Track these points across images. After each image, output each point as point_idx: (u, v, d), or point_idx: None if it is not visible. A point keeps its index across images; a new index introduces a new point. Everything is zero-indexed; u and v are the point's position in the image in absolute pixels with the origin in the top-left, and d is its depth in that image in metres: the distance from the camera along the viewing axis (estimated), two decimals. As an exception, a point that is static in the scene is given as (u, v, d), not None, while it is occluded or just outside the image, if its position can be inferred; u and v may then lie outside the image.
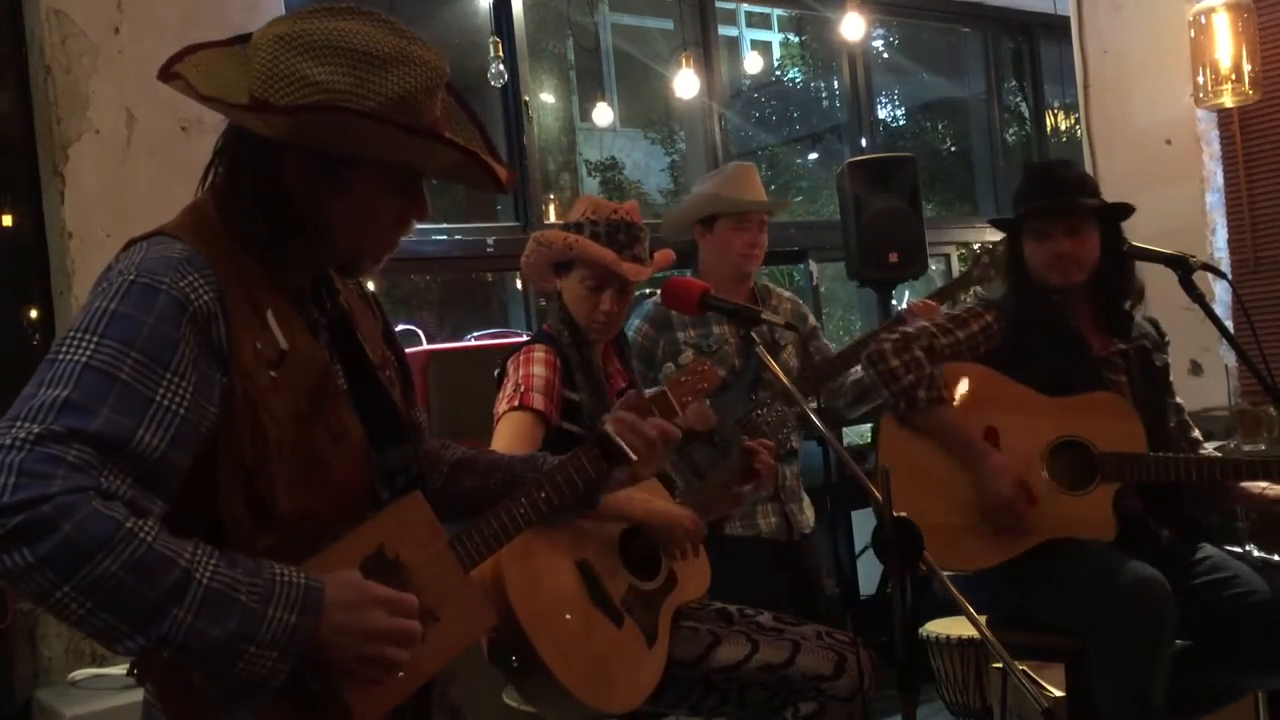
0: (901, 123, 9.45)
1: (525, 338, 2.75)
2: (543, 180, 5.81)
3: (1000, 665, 2.72)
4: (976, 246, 6.31)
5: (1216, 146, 4.41)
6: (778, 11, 9.49)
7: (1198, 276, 2.50)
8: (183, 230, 1.36)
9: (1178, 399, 2.76)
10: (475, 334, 4.06)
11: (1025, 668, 2.45)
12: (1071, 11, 4.81)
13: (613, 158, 9.66)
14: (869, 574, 4.67)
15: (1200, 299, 2.48)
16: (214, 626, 1.19)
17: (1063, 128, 7.25)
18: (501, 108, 4.86)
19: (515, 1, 4.85)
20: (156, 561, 1.17)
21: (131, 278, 1.28)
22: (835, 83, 7.70)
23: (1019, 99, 7.24)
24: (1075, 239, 2.59)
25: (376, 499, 1.49)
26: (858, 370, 3.01)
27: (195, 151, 3.17)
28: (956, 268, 6.33)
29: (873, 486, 1.79)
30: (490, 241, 4.73)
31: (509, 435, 2.28)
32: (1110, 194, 2.68)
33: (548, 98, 8.67)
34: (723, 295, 2.14)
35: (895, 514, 1.67)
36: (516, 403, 2.31)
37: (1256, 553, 2.94)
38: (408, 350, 1.80)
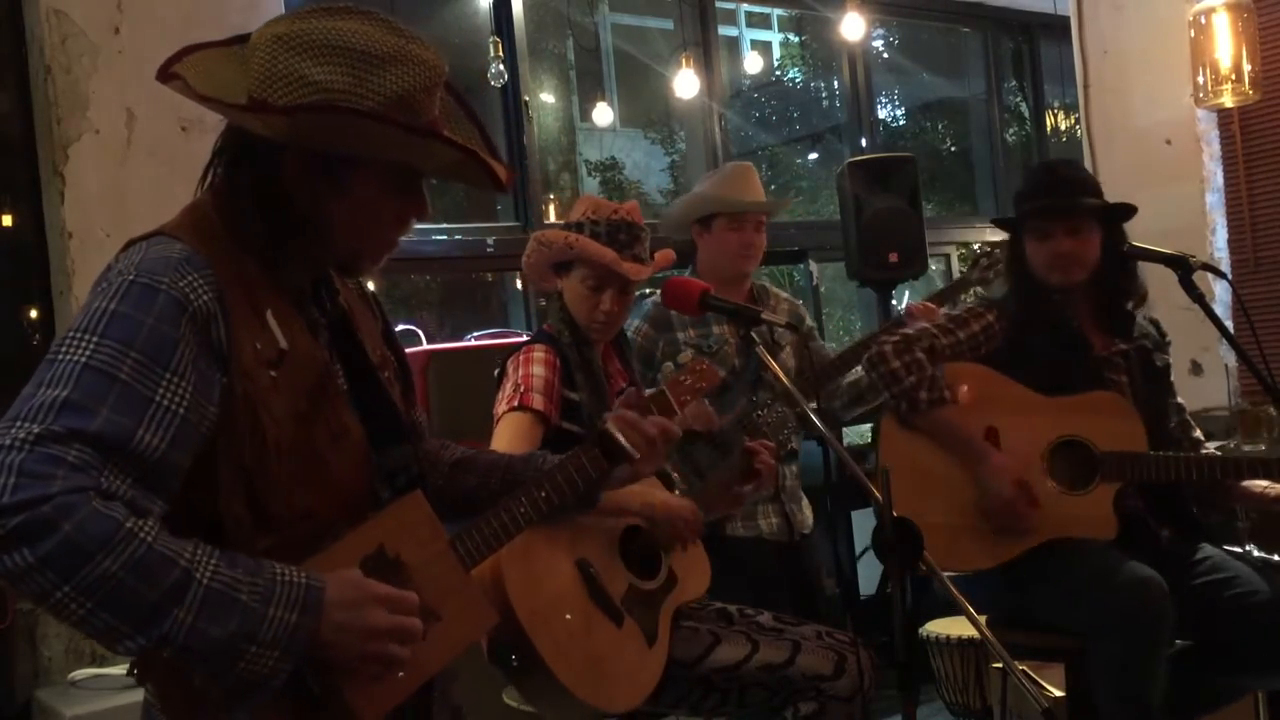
0: (901, 123, 9.45)
1: (525, 338, 2.75)
2: (543, 180, 5.81)
3: (1000, 665, 2.72)
4: (976, 246, 6.31)
5: (1216, 146, 4.41)
6: (778, 11, 9.50)
7: (1198, 276, 2.49)
8: (182, 230, 1.36)
9: (1179, 399, 2.76)
10: (475, 334, 4.06)
11: (1025, 668, 2.45)
12: (1071, 11, 4.81)
13: (613, 158, 9.66)
14: (869, 574, 4.67)
15: (1200, 299, 2.47)
16: (215, 626, 1.19)
17: (1063, 128, 7.25)
18: (501, 108, 4.86)
19: (515, 1, 4.85)
20: (157, 561, 1.17)
21: (131, 278, 1.27)
22: (835, 83, 7.70)
23: (1019, 99, 7.24)
24: (1076, 239, 2.59)
25: (377, 499, 1.49)
26: (854, 372, 3.02)
27: (195, 151, 3.16)
28: (956, 268, 6.33)
29: (873, 486, 1.79)
30: (490, 241, 4.73)
31: (508, 435, 2.28)
32: (1110, 194, 2.68)
33: (548, 98, 8.68)
34: (721, 295, 2.14)
35: (895, 514, 1.67)
36: (516, 403, 2.31)
37: (1256, 553, 2.95)
38: (408, 350, 1.80)
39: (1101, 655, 2.38)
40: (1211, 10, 4.07)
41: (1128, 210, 2.63)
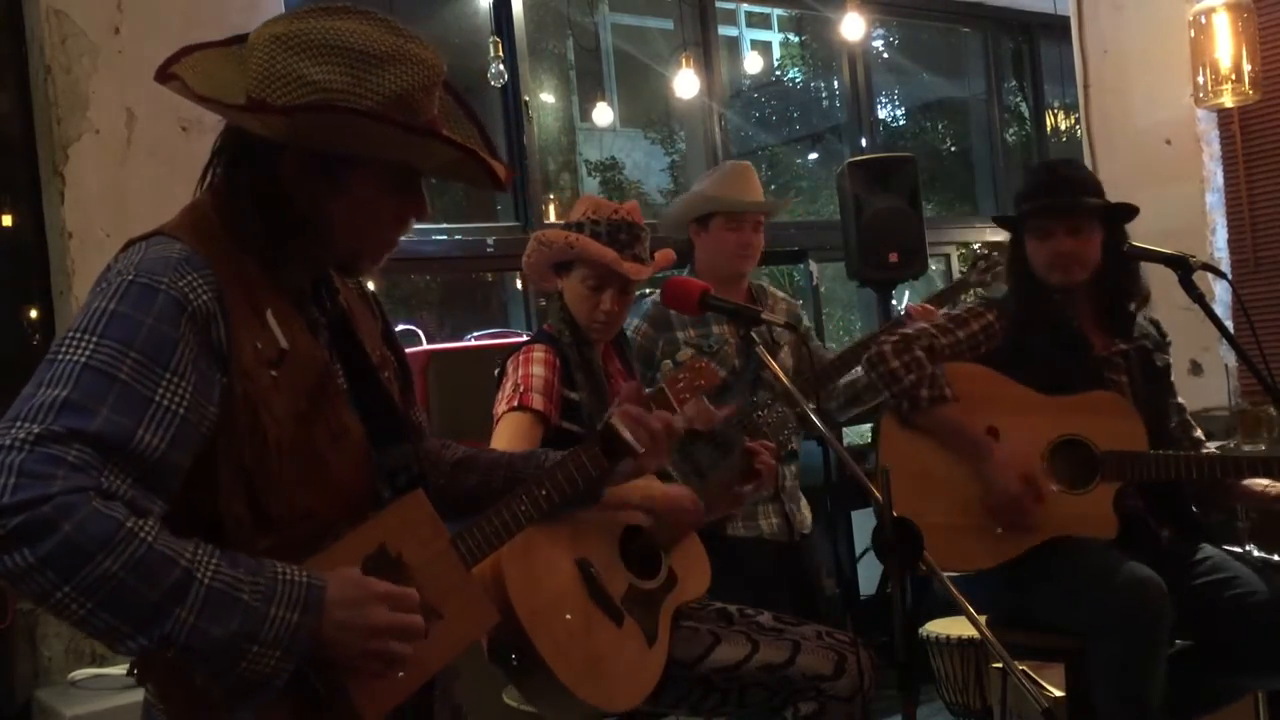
0: (901, 123, 9.45)
1: (525, 338, 2.75)
2: (543, 180, 5.81)
3: (1000, 665, 2.72)
4: (976, 246, 6.30)
5: (1216, 146, 4.41)
6: (778, 11, 9.50)
7: (1198, 276, 2.49)
8: (181, 230, 1.36)
9: (1179, 399, 2.76)
10: (475, 334, 4.06)
11: (1025, 668, 2.45)
12: (1071, 11, 4.81)
13: (613, 158, 9.66)
14: (869, 574, 4.67)
15: (1200, 299, 2.47)
16: (216, 626, 1.19)
17: (1063, 128, 7.25)
18: (501, 108, 4.86)
19: (515, 1, 4.85)
20: (157, 561, 1.17)
21: (130, 278, 1.28)
22: (835, 83, 7.70)
23: (1019, 99, 7.24)
24: (1077, 238, 2.59)
25: (378, 498, 1.49)
26: (849, 373, 3.02)
27: (195, 151, 3.15)
28: (956, 268, 6.32)
29: (873, 486, 1.79)
30: (490, 241, 4.73)
31: (508, 435, 2.28)
32: (1110, 194, 2.67)
33: (548, 98, 8.68)
34: (719, 295, 2.14)
35: (895, 514, 1.67)
36: (516, 403, 2.31)
37: (1256, 553, 2.95)
38: (408, 350, 1.80)
39: (1101, 655, 2.38)
40: (1211, 10, 4.07)
41: (1129, 211, 2.63)
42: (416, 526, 1.45)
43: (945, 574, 1.72)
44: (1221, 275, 2.68)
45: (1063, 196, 2.61)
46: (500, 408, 2.35)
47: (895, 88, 8.90)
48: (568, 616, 2.14)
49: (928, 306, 3.09)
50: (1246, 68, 4.03)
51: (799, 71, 10.65)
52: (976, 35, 6.86)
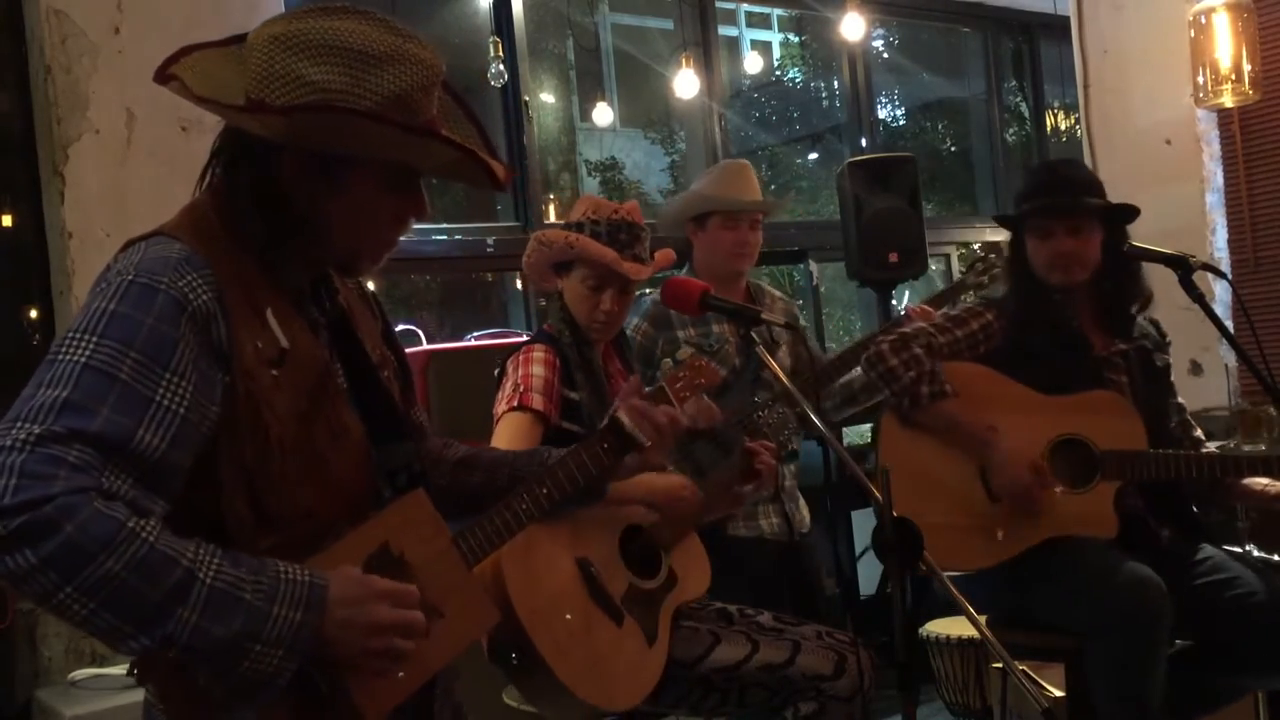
0: (901, 123, 9.45)
1: (525, 338, 2.75)
2: (543, 180, 5.81)
3: (1000, 665, 2.72)
4: (976, 246, 6.31)
5: (1216, 146, 4.41)
6: (778, 11, 9.50)
7: (1198, 276, 2.49)
8: (181, 230, 1.36)
9: (1179, 399, 2.76)
10: (475, 334, 4.06)
11: (1025, 668, 2.45)
12: (1071, 11, 4.81)
13: (613, 158, 9.67)
14: (869, 574, 4.67)
15: (1200, 299, 2.47)
16: (219, 626, 1.19)
17: (1063, 128, 7.25)
18: (501, 108, 4.86)
19: (515, 1, 4.85)
20: (159, 561, 1.17)
21: (130, 278, 1.28)
22: (835, 83, 7.71)
23: (1019, 99, 7.24)
24: (1077, 238, 2.59)
25: (379, 497, 1.49)
26: (849, 373, 3.02)
27: (195, 151, 3.15)
28: (956, 268, 6.32)
29: (873, 486, 1.79)
30: (490, 241, 4.73)
31: (508, 435, 2.28)
32: (1110, 194, 2.67)
33: (548, 98, 8.68)
34: (718, 294, 2.14)
35: (895, 514, 1.67)
36: (515, 403, 2.31)
37: (1256, 553, 2.95)
38: (408, 350, 1.80)
39: (1101, 655, 2.38)
40: (1211, 10, 4.07)
41: (1130, 211, 2.63)
42: (418, 525, 1.45)
43: (945, 574, 1.72)
44: (1221, 275, 2.68)
45: (1063, 196, 2.61)
46: (500, 407, 2.35)
47: (895, 88, 8.90)
48: (568, 616, 2.14)
49: (926, 308, 3.09)
50: (1246, 68, 4.03)
51: (799, 71, 10.65)
52: (976, 35, 6.86)
